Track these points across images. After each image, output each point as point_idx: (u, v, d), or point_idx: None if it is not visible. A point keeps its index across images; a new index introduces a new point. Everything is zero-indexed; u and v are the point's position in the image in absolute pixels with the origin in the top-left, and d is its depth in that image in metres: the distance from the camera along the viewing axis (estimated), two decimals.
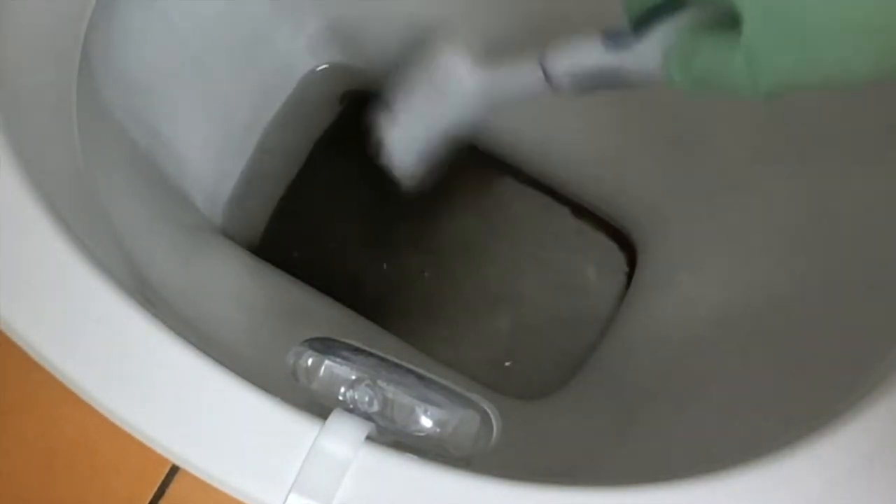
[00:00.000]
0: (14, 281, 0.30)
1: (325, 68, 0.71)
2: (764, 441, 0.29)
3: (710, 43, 0.29)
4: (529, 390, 0.62)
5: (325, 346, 0.33)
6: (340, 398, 0.32)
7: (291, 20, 0.66)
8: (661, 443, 0.42)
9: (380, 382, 0.32)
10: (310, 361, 0.32)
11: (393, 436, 0.31)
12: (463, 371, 0.62)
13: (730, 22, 0.27)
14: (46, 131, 0.37)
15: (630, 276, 0.66)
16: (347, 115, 0.73)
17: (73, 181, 0.37)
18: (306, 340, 0.33)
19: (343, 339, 0.34)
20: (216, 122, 0.64)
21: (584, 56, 0.37)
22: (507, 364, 0.65)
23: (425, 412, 0.31)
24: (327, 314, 0.62)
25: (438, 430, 0.31)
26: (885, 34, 0.23)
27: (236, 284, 0.57)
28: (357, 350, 0.33)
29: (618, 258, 0.67)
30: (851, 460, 0.27)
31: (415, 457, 0.28)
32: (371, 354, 0.33)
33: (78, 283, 0.30)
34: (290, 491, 0.27)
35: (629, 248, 0.67)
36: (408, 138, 0.50)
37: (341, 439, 0.28)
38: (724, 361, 0.45)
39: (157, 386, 0.28)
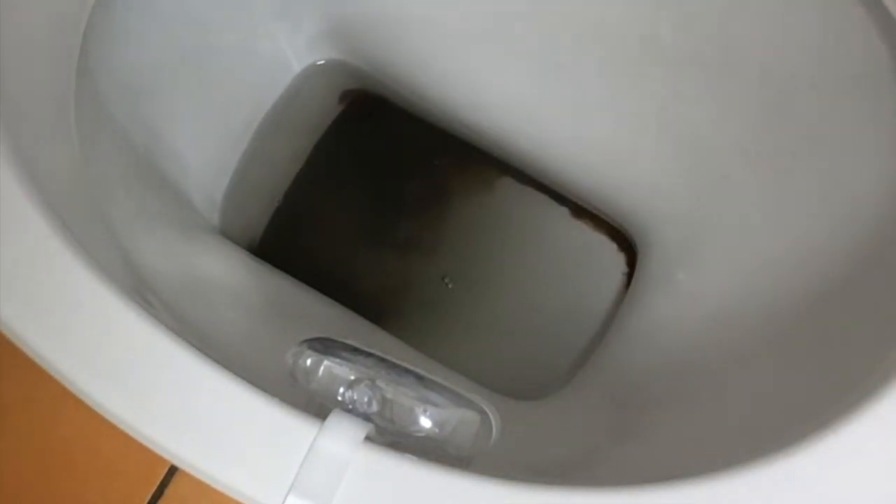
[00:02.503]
0: (12, 281, 0.30)
1: (325, 68, 0.71)
2: (764, 441, 0.29)
3: None
4: (529, 390, 0.62)
5: (324, 346, 0.33)
6: (339, 398, 0.31)
7: (290, 19, 0.66)
8: (661, 443, 0.42)
9: (379, 383, 0.32)
10: (309, 361, 0.32)
11: (392, 436, 0.31)
12: (462, 371, 0.61)
13: None
14: (45, 131, 0.36)
15: (629, 276, 0.65)
16: (347, 114, 0.73)
17: (71, 181, 0.37)
18: (305, 340, 0.33)
19: (342, 340, 0.33)
20: (215, 121, 0.64)
21: None
22: (505, 363, 0.65)
23: (424, 412, 0.31)
24: (326, 314, 0.62)
25: (437, 430, 0.31)
26: None
27: (235, 285, 0.57)
28: (356, 350, 0.33)
29: (617, 258, 0.67)
30: (851, 460, 0.27)
31: (414, 457, 0.28)
32: (370, 355, 0.33)
33: (76, 284, 0.30)
34: (288, 492, 0.27)
35: (629, 248, 0.67)
36: None
37: (340, 440, 0.28)
38: (724, 361, 0.45)
39: (156, 386, 0.28)
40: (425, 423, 0.31)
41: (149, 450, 0.28)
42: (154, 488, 0.46)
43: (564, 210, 0.68)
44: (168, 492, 0.46)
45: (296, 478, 0.27)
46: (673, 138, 0.57)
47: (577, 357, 0.63)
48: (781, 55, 0.44)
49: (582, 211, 0.68)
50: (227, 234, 0.65)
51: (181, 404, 0.28)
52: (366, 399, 0.31)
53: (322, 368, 0.32)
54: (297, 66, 0.70)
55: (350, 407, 0.31)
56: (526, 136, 0.66)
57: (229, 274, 0.58)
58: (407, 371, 0.33)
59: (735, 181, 0.53)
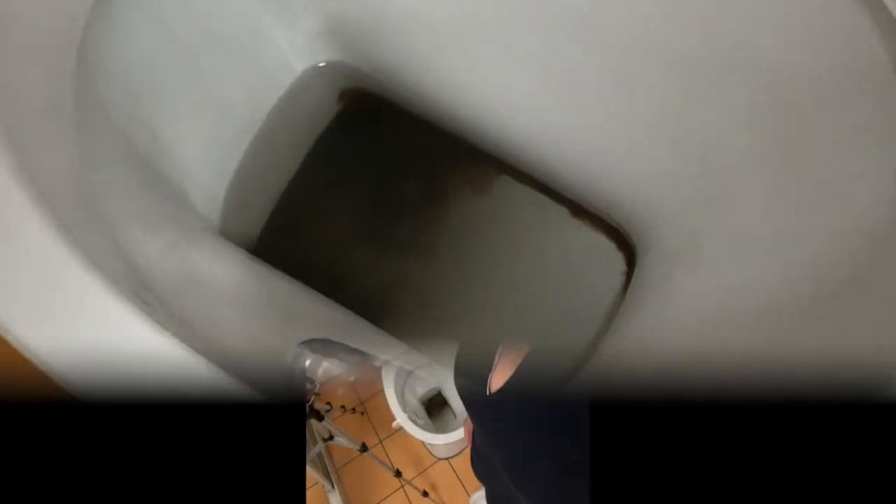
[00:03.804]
0: (11, 281, 0.30)
1: (324, 67, 0.71)
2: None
3: None
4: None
5: (324, 346, 0.33)
6: None
7: (289, 19, 0.66)
8: None
9: None
10: (308, 362, 0.32)
11: None
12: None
13: None
14: (44, 131, 0.36)
15: (629, 275, 0.65)
16: (347, 113, 0.73)
17: (70, 181, 0.37)
18: (304, 342, 0.33)
19: (342, 340, 0.34)
20: (214, 121, 0.64)
21: None
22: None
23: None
24: (325, 314, 0.62)
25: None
26: None
27: (235, 285, 0.57)
28: (356, 351, 0.33)
29: (616, 258, 0.67)
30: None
31: None
32: (369, 356, 0.33)
33: (75, 283, 0.30)
34: None
35: (628, 248, 0.67)
36: None
37: None
38: (723, 361, 0.45)
39: (155, 386, 0.28)
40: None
41: None
42: None
43: (563, 209, 0.68)
44: None
45: None
46: (672, 138, 0.57)
47: (577, 357, 0.63)
48: (782, 56, 0.44)
49: (581, 210, 0.68)
50: (227, 233, 0.65)
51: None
52: None
53: (322, 369, 0.32)
54: (296, 67, 0.70)
55: None
56: (525, 136, 0.66)
57: (229, 274, 0.58)
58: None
59: (734, 182, 0.53)
